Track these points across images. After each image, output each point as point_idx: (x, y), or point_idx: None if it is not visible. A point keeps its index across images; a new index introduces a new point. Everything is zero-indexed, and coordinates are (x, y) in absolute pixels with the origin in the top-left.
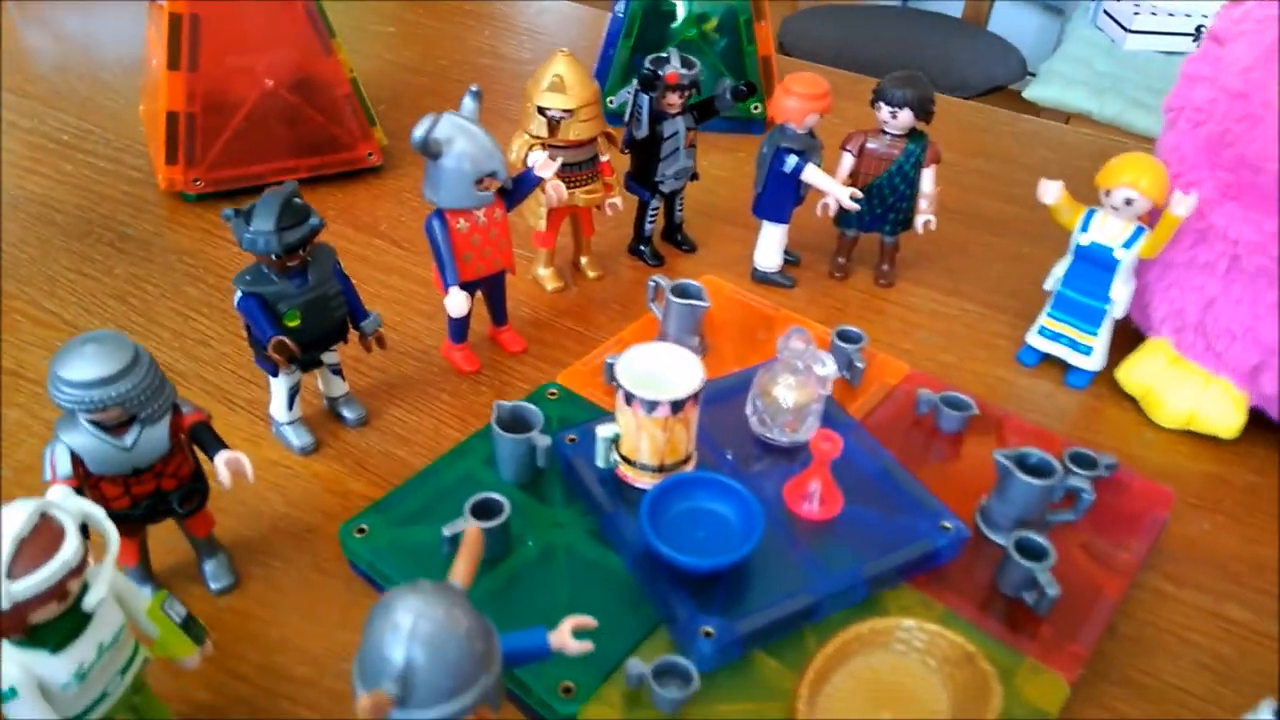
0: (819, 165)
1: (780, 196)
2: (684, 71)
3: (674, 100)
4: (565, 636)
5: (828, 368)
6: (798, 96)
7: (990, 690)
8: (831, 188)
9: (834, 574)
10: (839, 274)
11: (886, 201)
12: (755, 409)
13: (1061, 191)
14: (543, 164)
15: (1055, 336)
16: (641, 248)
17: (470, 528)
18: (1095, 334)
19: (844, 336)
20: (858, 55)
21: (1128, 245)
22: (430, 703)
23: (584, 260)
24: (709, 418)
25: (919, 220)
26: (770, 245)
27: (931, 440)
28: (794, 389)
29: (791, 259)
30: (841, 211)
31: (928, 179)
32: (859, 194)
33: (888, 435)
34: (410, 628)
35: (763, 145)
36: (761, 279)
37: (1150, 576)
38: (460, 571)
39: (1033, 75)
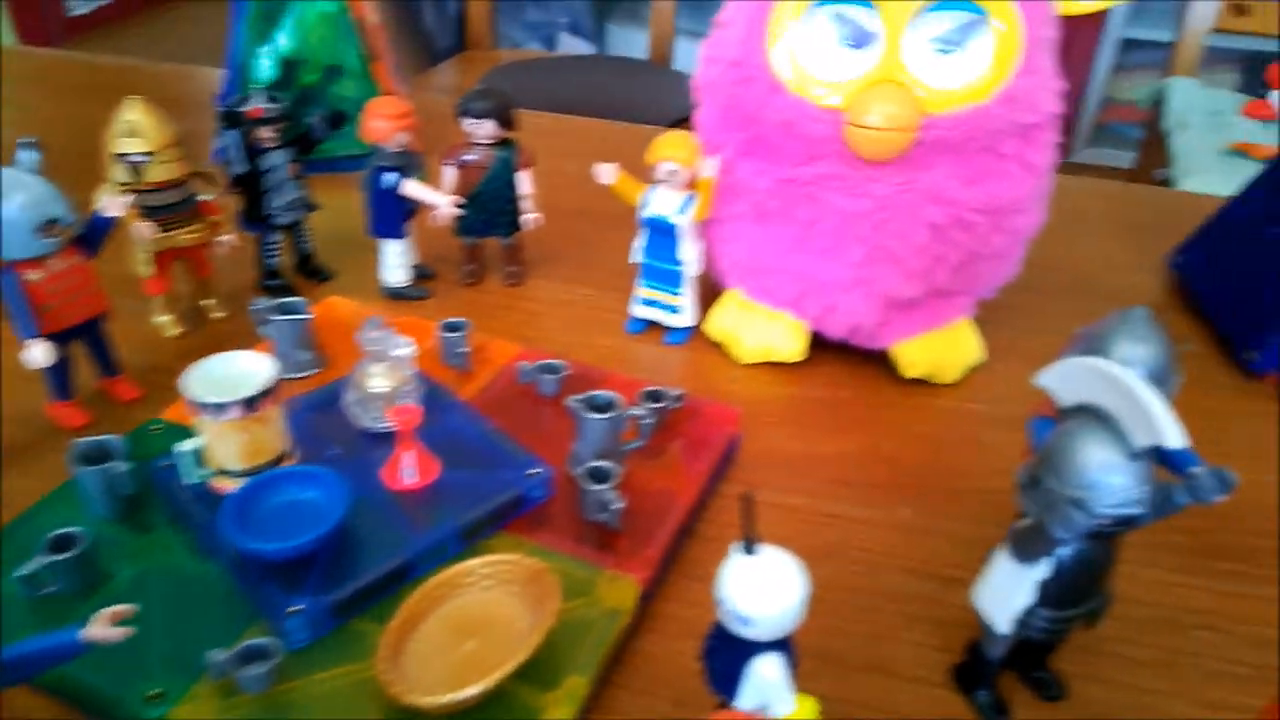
0: (422, 179)
1: (388, 213)
2: (268, 105)
3: (267, 134)
4: (102, 627)
5: (405, 349)
6: (383, 117)
7: (552, 592)
8: (431, 198)
9: (429, 533)
10: (471, 280)
11: (492, 206)
12: (352, 402)
13: (618, 172)
14: (109, 204)
15: (651, 303)
16: (269, 283)
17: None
18: (679, 294)
19: (448, 328)
20: (558, 101)
21: (682, 211)
22: None
23: (206, 301)
24: (317, 420)
25: (524, 219)
26: (393, 261)
27: (536, 405)
28: (383, 375)
29: (425, 273)
30: (457, 221)
31: (524, 181)
32: (459, 200)
33: (497, 407)
34: None
35: (365, 170)
36: (394, 295)
37: (729, 485)
38: None
39: None
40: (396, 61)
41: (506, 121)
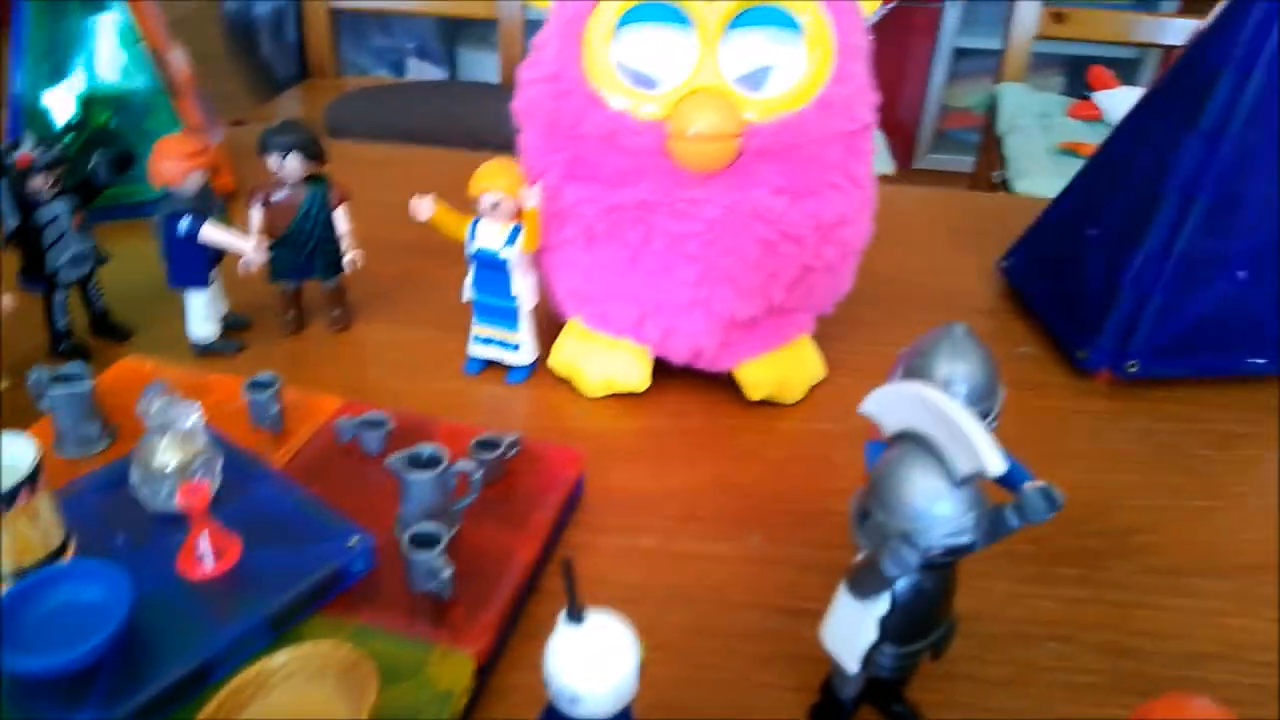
0: (223, 221)
1: (188, 262)
2: (38, 151)
3: (42, 183)
4: None
5: (192, 418)
6: (172, 158)
7: (369, 681)
8: (233, 243)
9: (231, 626)
10: (291, 328)
11: (307, 247)
12: (139, 482)
13: (435, 206)
14: None
15: (488, 341)
16: (61, 347)
17: None
18: (517, 330)
19: (255, 386)
20: (407, 129)
21: (509, 243)
22: None
23: None
24: (103, 504)
25: (345, 258)
26: (199, 314)
27: (360, 465)
28: (171, 449)
29: (239, 322)
30: (269, 265)
31: (341, 219)
32: (265, 243)
33: (315, 470)
34: None
35: (156, 216)
36: (204, 351)
37: (576, 533)
38: None
39: None
40: (237, 91)
41: (314, 155)
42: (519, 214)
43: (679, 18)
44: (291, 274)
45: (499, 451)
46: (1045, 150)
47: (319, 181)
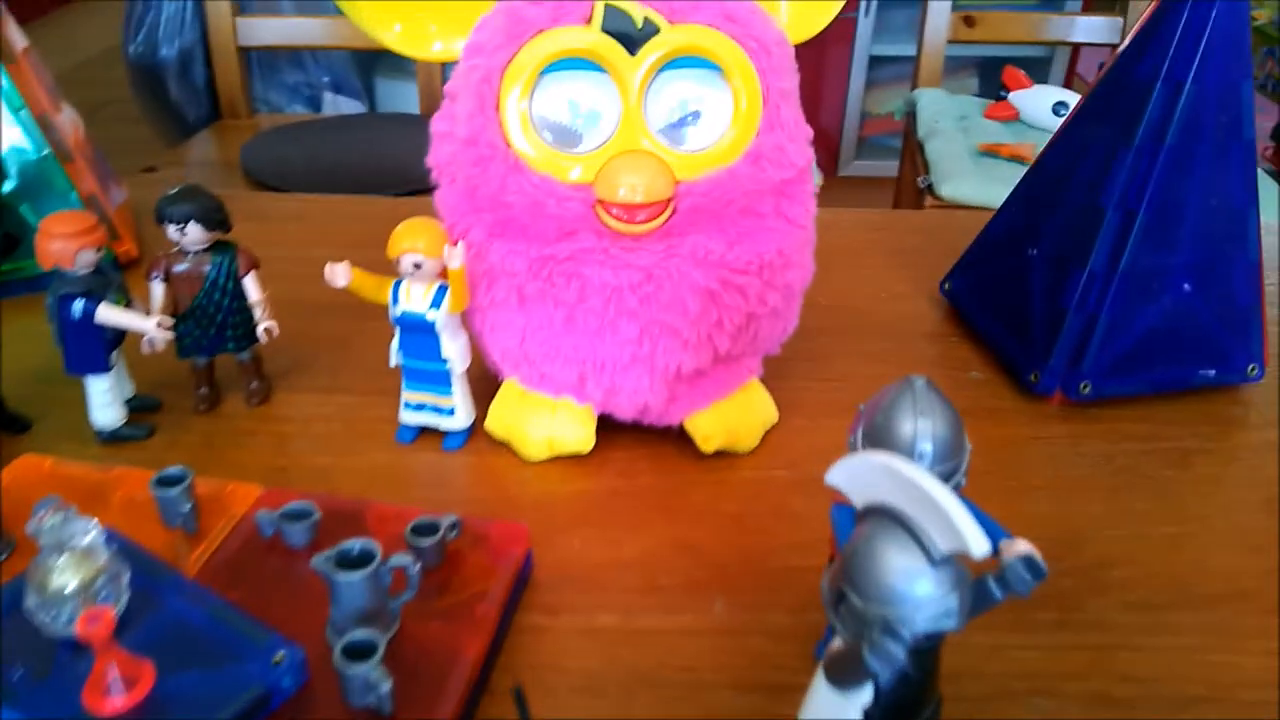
0: (119, 300)
1: (85, 346)
2: None
3: None
4: None
5: (90, 534)
6: (60, 237)
7: None
8: (134, 324)
9: None
10: (205, 406)
11: (216, 320)
12: (35, 607)
13: (351, 271)
14: None
15: (419, 407)
16: None
17: None
18: (450, 394)
19: (163, 482)
20: (326, 166)
21: (435, 305)
22: None
23: None
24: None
25: (259, 328)
26: (101, 400)
27: (287, 562)
28: (70, 569)
29: (147, 403)
30: (176, 342)
31: (252, 287)
32: (168, 321)
33: (237, 573)
34: None
35: (47, 298)
36: (109, 439)
37: (527, 616)
38: None
39: None
40: (147, 136)
41: (217, 223)
42: (444, 273)
43: (599, 72)
44: (200, 350)
45: (437, 537)
46: (967, 152)
47: (225, 249)
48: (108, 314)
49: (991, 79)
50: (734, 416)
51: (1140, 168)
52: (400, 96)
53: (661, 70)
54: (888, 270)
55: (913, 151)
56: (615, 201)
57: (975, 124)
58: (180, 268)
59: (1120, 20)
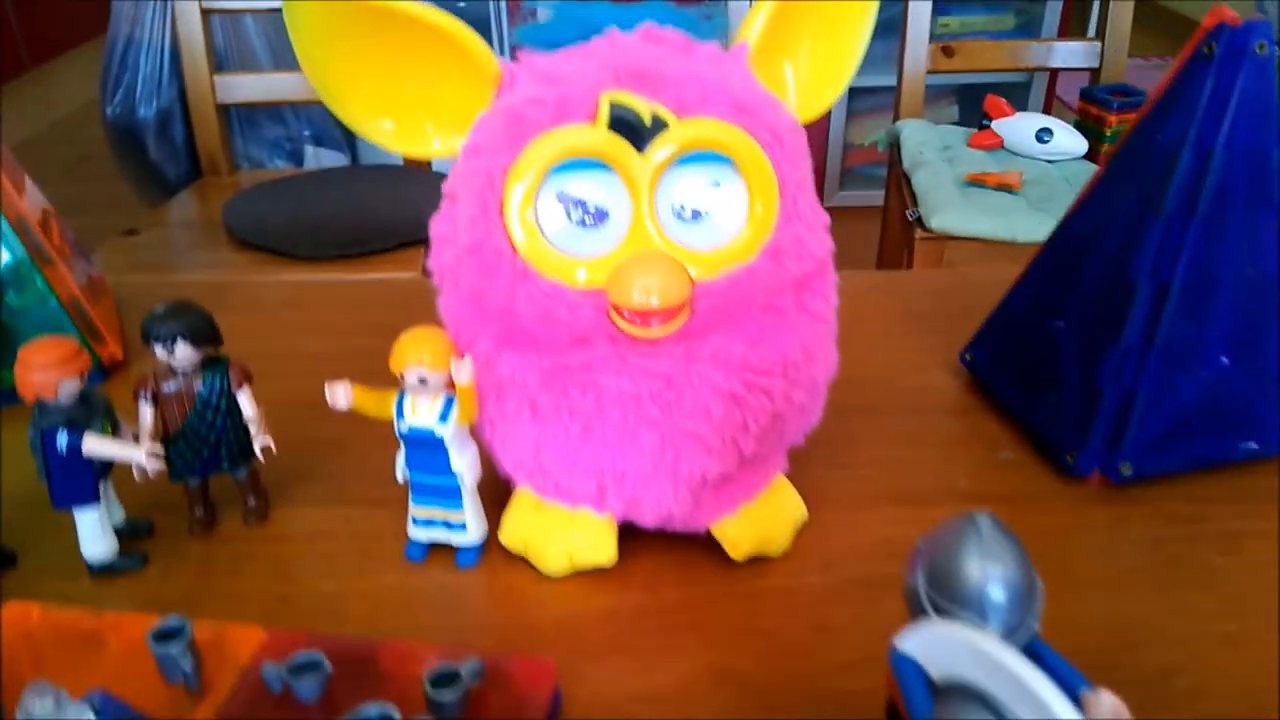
0: (105, 428)
1: (72, 479)
2: None
3: None
4: None
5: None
6: (40, 368)
7: None
8: (122, 454)
9: None
10: (200, 528)
11: (209, 441)
12: None
13: (351, 391)
14: None
15: (429, 523)
16: None
17: None
18: (461, 508)
19: (160, 638)
20: (311, 223)
21: (444, 419)
22: None
23: None
24: None
25: (256, 445)
26: (92, 533)
27: (298, 718)
28: None
29: (140, 529)
30: (168, 465)
31: (246, 403)
32: (158, 449)
33: None
34: None
35: (29, 430)
36: (101, 571)
37: None
38: None
39: None
40: (127, 197)
41: (205, 339)
42: (450, 383)
43: (607, 171)
44: (193, 472)
45: (459, 688)
46: (954, 183)
47: (216, 364)
48: (94, 445)
49: (971, 105)
50: (763, 519)
51: (1171, 238)
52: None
53: (672, 166)
54: (901, 338)
55: (898, 183)
56: (630, 306)
57: (960, 153)
58: (169, 387)
59: (1098, 44)
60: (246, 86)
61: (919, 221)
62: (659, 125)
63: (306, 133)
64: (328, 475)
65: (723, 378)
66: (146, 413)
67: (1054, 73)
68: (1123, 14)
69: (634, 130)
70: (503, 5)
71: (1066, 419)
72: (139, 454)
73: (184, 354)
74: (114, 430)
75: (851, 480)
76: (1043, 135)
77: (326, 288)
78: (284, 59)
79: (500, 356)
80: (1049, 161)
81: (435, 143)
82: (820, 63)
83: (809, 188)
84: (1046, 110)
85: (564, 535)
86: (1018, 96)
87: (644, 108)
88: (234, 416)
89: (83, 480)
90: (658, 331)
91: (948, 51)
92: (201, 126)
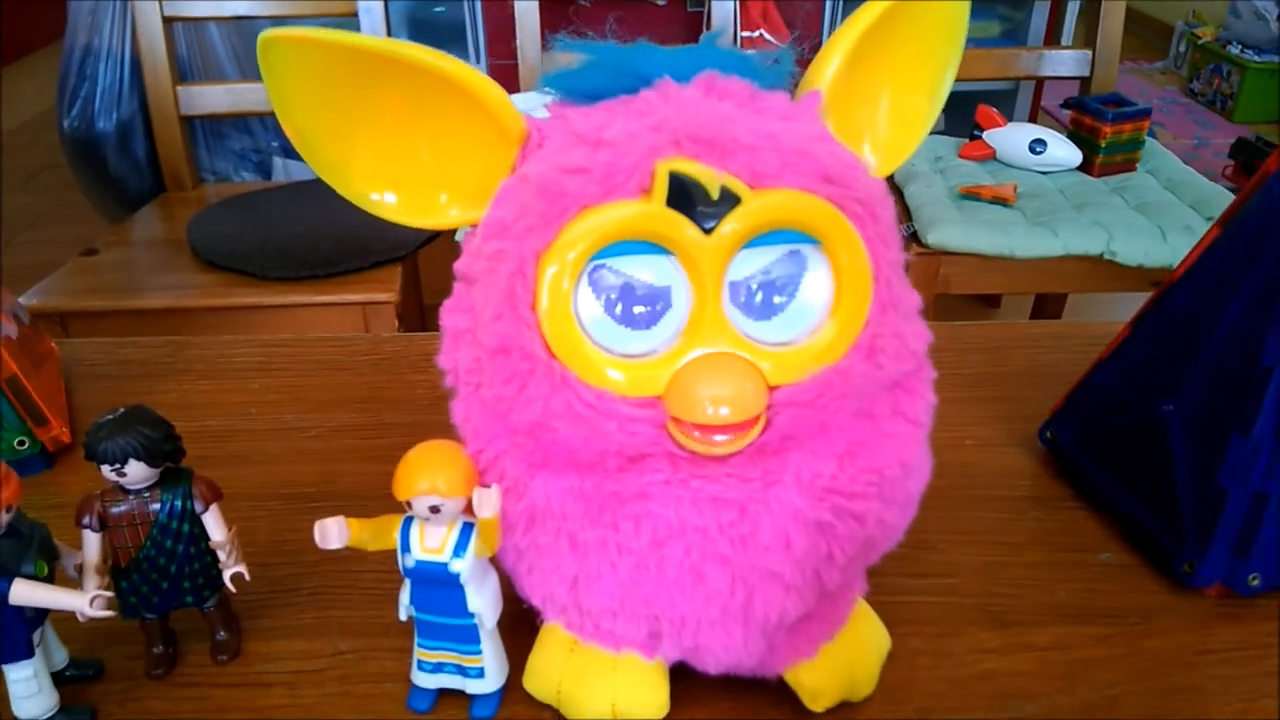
0: (40, 568)
1: (2, 632)
2: None
3: None
4: None
5: None
6: None
7: None
8: (60, 603)
9: None
10: (160, 670)
11: (169, 572)
12: None
13: (346, 528)
14: None
15: (438, 668)
16: None
17: None
18: (479, 652)
19: None
20: (281, 242)
21: (459, 553)
22: None
23: None
24: None
25: (225, 575)
26: (25, 690)
27: None
28: None
29: (85, 672)
30: (120, 601)
31: (214, 525)
32: (105, 597)
33: None
34: None
35: None
36: None
37: None
38: None
39: None
40: (86, 214)
41: (164, 454)
42: (469, 506)
43: (664, 255)
44: (151, 608)
45: None
46: (948, 196)
47: (176, 480)
48: (25, 593)
49: (956, 114)
50: (845, 660)
51: None
52: None
53: (744, 248)
54: (960, 406)
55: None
56: (696, 420)
57: (951, 165)
58: (120, 508)
59: (1089, 53)
60: (211, 97)
61: (914, 237)
62: (729, 200)
63: (274, 144)
64: (311, 595)
65: (808, 504)
66: (92, 544)
67: (1040, 81)
68: (1114, 22)
69: (698, 206)
70: (478, 6)
71: (1181, 520)
72: (81, 601)
73: (138, 473)
74: (51, 566)
75: (932, 593)
76: (1036, 146)
77: (301, 348)
78: (250, 68)
79: (533, 483)
80: (1043, 173)
81: (453, 212)
82: (902, 108)
83: (901, 269)
84: (1033, 120)
85: (606, 683)
86: (1004, 105)
87: (711, 179)
88: (199, 543)
89: (13, 633)
90: (726, 447)
91: None
92: (164, 139)
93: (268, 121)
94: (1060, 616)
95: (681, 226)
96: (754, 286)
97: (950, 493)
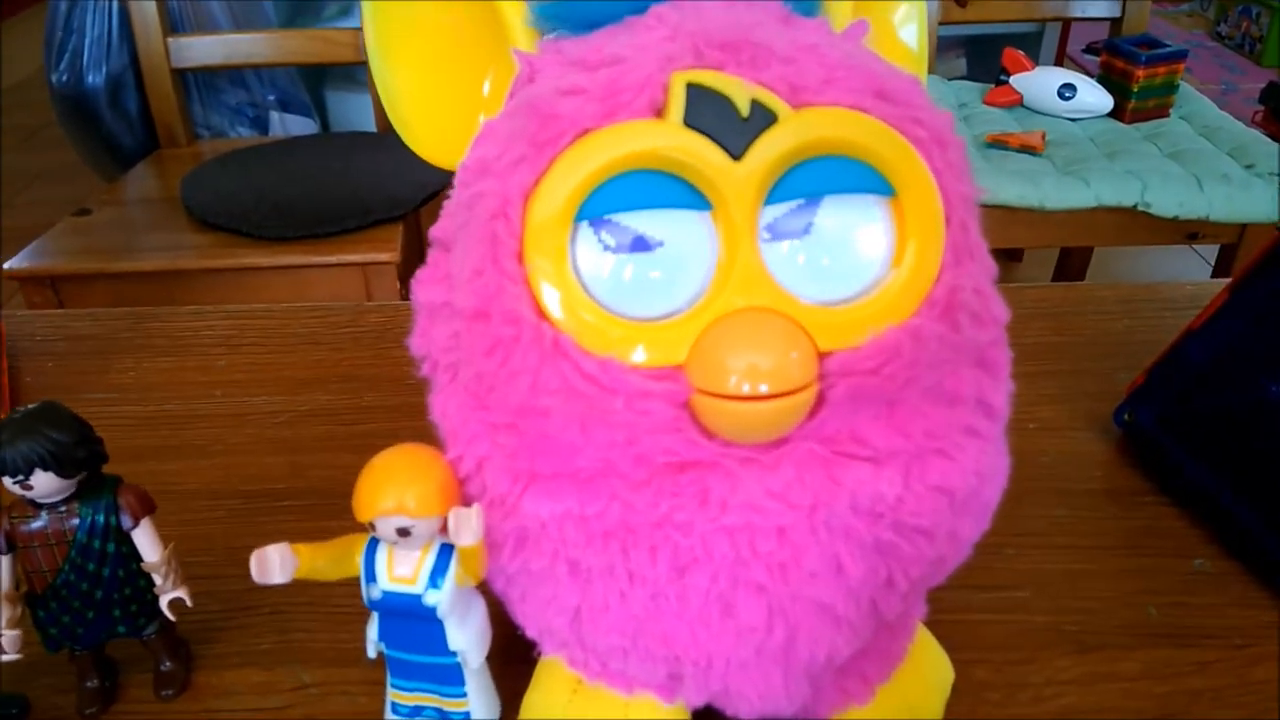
0: None
1: None
2: None
3: None
4: None
5: None
6: None
7: None
8: None
9: None
10: (94, 708)
11: (94, 599)
12: None
13: (292, 557)
14: None
15: (416, 711)
16: None
17: None
18: (464, 695)
19: None
20: (278, 199)
21: (436, 582)
22: None
23: None
24: None
25: (162, 601)
26: None
27: None
28: None
29: (8, 710)
30: (39, 633)
31: (146, 544)
32: (11, 633)
33: None
34: None
35: None
36: None
37: None
38: None
39: None
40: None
41: (78, 462)
42: (445, 527)
43: (685, 187)
44: (77, 640)
45: None
46: (974, 145)
47: (99, 491)
48: None
49: (980, 57)
50: (905, 702)
51: None
52: (354, 110)
53: (784, 179)
54: (1023, 383)
55: None
56: (726, 394)
57: (976, 112)
58: (32, 525)
59: None
60: (204, 49)
61: None
62: (764, 118)
63: (271, 97)
64: (270, 618)
65: (865, 524)
66: (3, 566)
67: (1067, 24)
68: None
69: (725, 126)
70: None
71: None
72: None
73: (46, 485)
74: None
75: (999, 610)
76: (1065, 91)
77: (274, 318)
78: (243, 18)
79: (523, 496)
80: (1072, 120)
81: None
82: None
83: (976, 211)
84: (1059, 63)
85: None
86: (1030, 48)
87: (740, 92)
88: (129, 563)
89: None
90: (770, 422)
91: (961, 1)
92: (156, 93)
93: (263, 74)
94: (1149, 637)
95: (704, 151)
96: (797, 227)
97: (1015, 485)
